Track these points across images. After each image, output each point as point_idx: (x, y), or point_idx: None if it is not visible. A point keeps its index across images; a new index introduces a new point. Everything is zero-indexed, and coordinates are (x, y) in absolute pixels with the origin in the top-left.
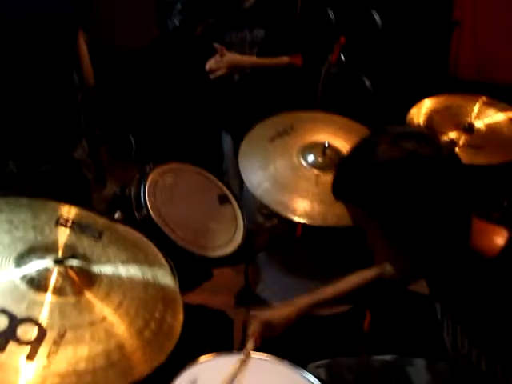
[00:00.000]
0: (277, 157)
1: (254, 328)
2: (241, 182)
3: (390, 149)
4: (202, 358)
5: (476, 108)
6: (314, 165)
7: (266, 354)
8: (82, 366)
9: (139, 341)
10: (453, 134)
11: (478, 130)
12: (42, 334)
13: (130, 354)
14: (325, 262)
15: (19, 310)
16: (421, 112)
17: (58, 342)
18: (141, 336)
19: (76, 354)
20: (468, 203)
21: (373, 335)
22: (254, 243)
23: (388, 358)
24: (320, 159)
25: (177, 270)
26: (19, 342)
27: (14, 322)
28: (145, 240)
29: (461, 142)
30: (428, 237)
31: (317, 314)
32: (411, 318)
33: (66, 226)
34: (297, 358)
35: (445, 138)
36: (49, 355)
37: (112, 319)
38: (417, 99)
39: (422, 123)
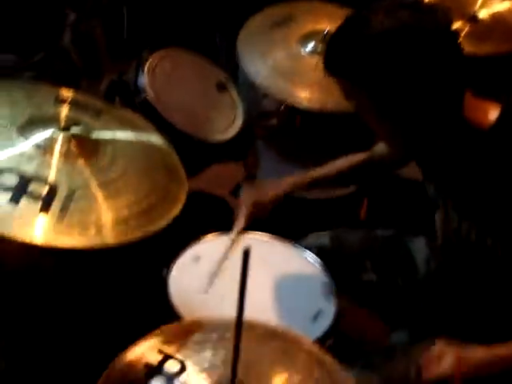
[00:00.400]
0: (276, 46)
1: (244, 202)
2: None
3: (384, 19)
4: (205, 237)
5: None
6: (313, 52)
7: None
8: (91, 218)
9: (145, 204)
10: (457, 24)
11: (483, 19)
12: (52, 191)
13: (136, 214)
14: (323, 151)
15: (29, 170)
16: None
17: (68, 199)
18: (147, 199)
19: (88, 209)
20: (461, 77)
21: (369, 222)
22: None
23: (390, 232)
24: (320, 46)
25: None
26: (32, 196)
27: (25, 179)
28: (144, 121)
29: (465, 32)
30: (420, 109)
31: (314, 197)
32: (406, 203)
33: (64, 103)
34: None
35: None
36: (62, 209)
37: (119, 183)
38: None
39: None
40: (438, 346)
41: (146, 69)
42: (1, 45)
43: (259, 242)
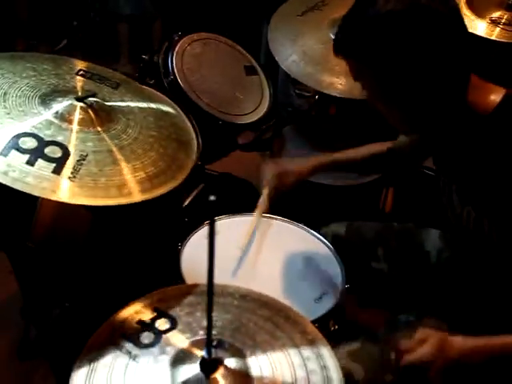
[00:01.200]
0: (306, 30)
1: (267, 171)
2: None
3: (391, 0)
4: (222, 216)
5: None
6: None
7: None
8: (102, 180)
9: (152, 168)
10: (496, 13)
11: None
12: (66, 154)
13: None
14: (356, 139)
15: (46, 135)
16: None
17: (80, 162)
18: (154, 163)
19: (98, 172)
20: (467, 59)
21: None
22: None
23: (406, 225)
24: None
25: (202, 137)
26: (47, 158)
27: (42, 143)
28: (165, 99)
29: (503, 21)
30: (424, 91)
31: (336, 184)
32: (427, 196)
33: (85, 76)
34: (314, 225)
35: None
36: (73, 171)
37: (128, 148)
38: None
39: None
40: (422, 331)
41: (175, 51)
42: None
43: (277, 225)
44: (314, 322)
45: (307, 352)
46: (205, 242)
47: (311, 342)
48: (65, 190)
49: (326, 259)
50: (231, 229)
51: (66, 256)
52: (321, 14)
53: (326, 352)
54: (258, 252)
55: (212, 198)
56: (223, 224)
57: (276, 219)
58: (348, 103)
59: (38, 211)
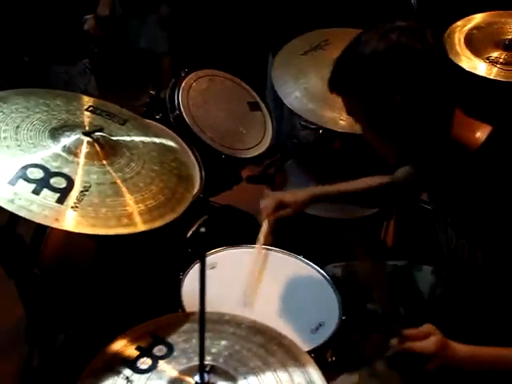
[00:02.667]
0: (309, 69)
1: (267, 202)
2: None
3: (374, 41)
4: (222, 248)
5: None
6: None
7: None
8: (103, 210)
9: (152, 201)
10: (494, 53)
11: None
12: (70, 185)
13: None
14: (356, 174)
15: (53, 166)
16: (465, 27)
17: (83, 193)
18: (154, 197)
19: (99, 202)
20: (450, 96)
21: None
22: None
23: (400, 263)
24: None
25: (206, 171)
26: (52, 188)
27: (48, 174)
28: (171, 133)
29: (501, 60)
30: (409, 124)
31: (336, 217)
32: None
33: (94, 112)
34: (315, 258)
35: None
36: (75, 201)
37: (131, 182)
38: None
39: (461, 39)
40: (429, 325)
41: (181, 87)
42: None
43: (276, 256)
44: (310, 352)
45: (299, 378)
46: (208, 272)
47: (303, 368)
48: (66, 219)
49: (324, 291)
50: (231, 260)
51: (72, 283)
52: (323, 53)
53: (317, 377)
54: (257, 283)
55: (202, 229)
56: (224, 255)
57: (275, 251)
58: (353, 138)
59: (46, 240)
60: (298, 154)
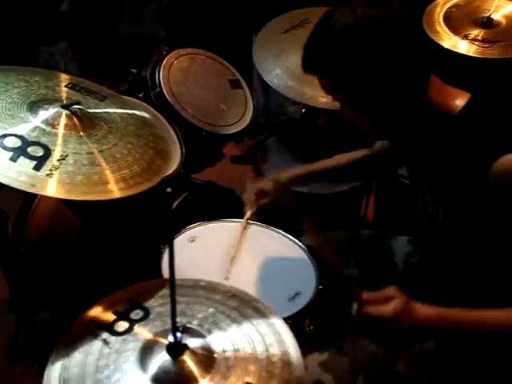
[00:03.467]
0: (289, 47)
1: (248, 194)
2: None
3: (344, 16)
4: (202, 222)
5: (496, 0)
6: None
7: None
8: (79, 178)
9: (127, 170)
10: (472, 31)
11: (497, 23)
12: (47, 154)
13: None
14: (337, 151)
15: (31, 136)
16: (445, 4)
17: (60, 161)
18: (130, 167)
19: (75, 170)
20: (424, 63)
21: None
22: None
23: (377, 232)
24: None
25: (187, 147)
26: (29, 156)
27: (26, 143)
28: (151, 110)
29: (480, 38)
30: (386, 94)
31: (316, 192)
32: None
33: (74, 89)
34: (293, 231)
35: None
36: (51, 169)
37: (107, 153)
38: None
39: (440, 17)
40: (390, 289)
41: (162, 65)
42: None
43: (255, 230)
44: (286, 319)
45: (270, 339)
46: (185, 245)
47: (275, 331)
48: (42, 185)
49: (301, 261)
50: (211, 234)
51: (56, 261)
52: (303, 31)
53: (290, 340)
54: (238, 255)
55: (168, 189)
56: (204, 229)
57: (254, 224)
58: (336, 115)
59: (31, 218)
60: (281, 131)
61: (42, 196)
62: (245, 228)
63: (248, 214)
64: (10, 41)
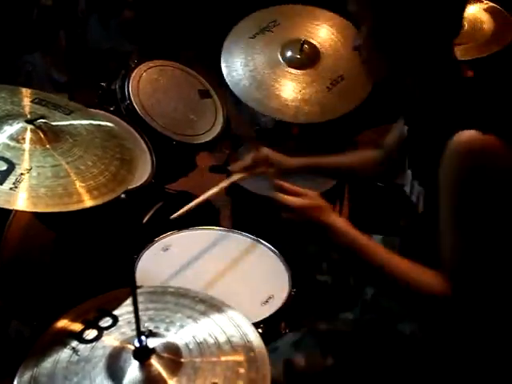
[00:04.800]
0: (256, 54)
1: (260, 151)
2: None
3: None
4: (175, 231)
5: None
6: (291, 61)
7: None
8: (42, 191)
9: (92, 182)
10: None
11: None
12: (10, 168)
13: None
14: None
15: None
16: None
17: (23, 174)
18: (94, 178)
19: (39, 183)
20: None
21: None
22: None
23: None
24: (298, 56)
25: (159, 158)
26: None
27: None
28: (119, 122)
29: None
30: (415, 38)
31: None
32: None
33: (40, 104)
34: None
35: None
36: (15, 182)
37: (72, 165)
38: None
39: None
40: (310, 192)
41: (131, 77)
42: None
43: (226, 235)
44: (259, 323)
45: (232, 333)
46: (158, 254)
47: (243, 333)
48: (5, 198)
49: (274, 265)
50: (184, 242)
51: (31, 275)
52: (271, 35)
53: (251, 331)
54: (210, 261)
55: (123, 196)
56: (177, 238)
57: (225, 230)
58: (310, 125)
59: (5, 234)
60: (253, 140)
61: (15, 213)
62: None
63: (234, 177)
64: None
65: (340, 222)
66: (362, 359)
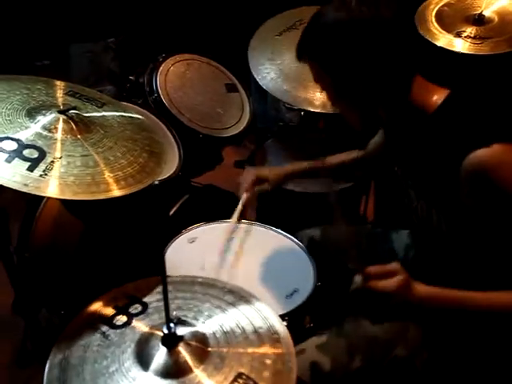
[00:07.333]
0: (283, 50)
1: (244, 177)
2: None
3: (336, 11)
4: (201, 223)
5: None
6: None
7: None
8: (71, 179)
9: (120, 172)
10: (465, 28)
11: (489, 19)
12: (41, 156)
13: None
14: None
15: (27, 139)
16: (438, 3)
17: (53, 162)
18: (122, 169)
19: (68, 171)
20: (410, 63)
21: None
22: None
23: (377, 227)
24: None
25: (185, 151)
26: (23, 158)
27: (22, 146)
28: (149, 115)
29: (472, 35)
30: (370, 90)
31: (312, 191)
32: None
33: (74, 96)
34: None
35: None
36: (45, 169)
37: (102, 155)
38: None
39: (432, 16)
40: (394, 265)
41: (159, 71)
42: None
43: (254, 230)
44: (283, 316)
45: (264, 332)
46: (184, 246)
47: (269, 324)
48: (35, 184)
49: (299, 259)
50: (210, 234)
51: (61, 265)
52: (297, 32)
53: (278, 323)
54: (236, 254)
55: (156, 182)
56: (203, 230)
57: (254, 224)
58: (336, 117)
59: (36, 223)
60: (279, 135)
61: (45, 202)
62: (240, 214)
63: (244, 196)
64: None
65: (427, 288)
66: (391, 362)
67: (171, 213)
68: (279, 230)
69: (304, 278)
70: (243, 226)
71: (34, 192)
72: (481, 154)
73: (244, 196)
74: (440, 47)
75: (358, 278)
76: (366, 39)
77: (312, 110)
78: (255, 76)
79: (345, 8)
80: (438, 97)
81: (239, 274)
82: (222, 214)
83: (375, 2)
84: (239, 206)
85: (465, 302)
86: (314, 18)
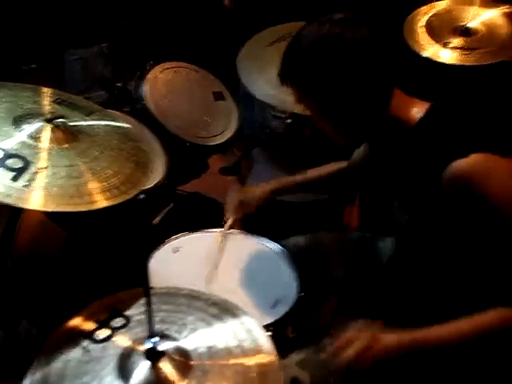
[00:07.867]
0: (273, 60)
1: (229, 201)
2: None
3: (312, 33)
4: (186, 233)
5: (473, 9)
6: None
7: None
8: (54, 190)
9: (105, 183)
10: (452, 39)
11: (476, 31)
12: (26, 165)
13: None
14: (322, 161)
15: (11, 149)
16: (425, 14)
17: (37, 173)
18: (108, 179)
19: (51, 182)
20: (387, 79)
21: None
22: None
23: (364, 234)
24: None
25: (172, 159)
26: (7, 168)
27: (6, 155)
28: (135, 123)
29: (459, 46)
30: (350, 108)
31: (298, 200)
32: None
33: (61, 104)
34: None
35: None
36: (29, 180)
37: (87, 165)
38: None
39: (420, 28)
40: (353, 330)
41: (146, 78)
42: None
43: (236, 238)
44: (268, 326)
45: (244, 337)
46: (169, 255)
47: (252, 335)
48: (18, 195)
49: (282, 269)
50: (194, 244)
51: (42, 274)
52: (287, 44)
53: (262, 336)
54: (221, 264)
55: (142, 196)
56: (187, 240)
57: (235, 232)
58: None
59: (18, 232)
60: (266, 142)
61: (26, 211)
62: (225, 236)
63: (229, 221)
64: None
65: (392, 338)
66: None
67: (156, 221)
68: (264, 239)
69: (287, 287)
70: (227, 235)
71: (16, 203)
72: (461, 162)
73: (229, 221)
74: (425, 58)
75: (327, 342)
76: (340, 59)
77: (302, 113)
78: (244, 82)
79: (319, 30)
80: (417, 109)
81: (223, 283)
82: (208, 222)
83: (348, 23)
84: (225, 230)
85: (450, 336)
86: (291, 43)
